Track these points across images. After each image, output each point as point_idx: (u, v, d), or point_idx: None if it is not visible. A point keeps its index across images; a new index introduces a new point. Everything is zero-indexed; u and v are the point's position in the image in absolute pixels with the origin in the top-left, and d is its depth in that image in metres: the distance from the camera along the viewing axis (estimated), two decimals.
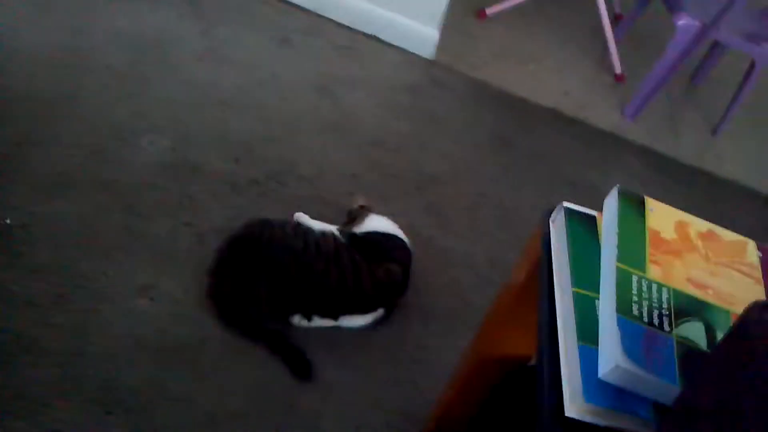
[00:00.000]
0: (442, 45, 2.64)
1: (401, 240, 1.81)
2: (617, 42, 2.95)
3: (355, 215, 1.84)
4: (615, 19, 3.28)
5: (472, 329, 1.29)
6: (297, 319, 1.63)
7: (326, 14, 2.60)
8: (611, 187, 0.92)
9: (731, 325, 0.69)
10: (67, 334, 1.50)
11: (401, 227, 1.91)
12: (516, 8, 2.95)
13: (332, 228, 1.75)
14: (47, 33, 2.12)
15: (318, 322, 1.65)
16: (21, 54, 2.03)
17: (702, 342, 0.76)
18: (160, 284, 1.64)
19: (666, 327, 0.76)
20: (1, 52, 2.01)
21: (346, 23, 2.60)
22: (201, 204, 1.81)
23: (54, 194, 1.73)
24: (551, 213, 0.98)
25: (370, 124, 2.27)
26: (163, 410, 1.45)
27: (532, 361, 1.16)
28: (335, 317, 1.66)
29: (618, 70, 2.93)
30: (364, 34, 2.60)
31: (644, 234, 0.86)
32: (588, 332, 0.77)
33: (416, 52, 2.61)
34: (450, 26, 2.74)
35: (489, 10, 2.94)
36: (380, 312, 1.71)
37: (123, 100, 2.01)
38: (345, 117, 2.26)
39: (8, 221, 1.64)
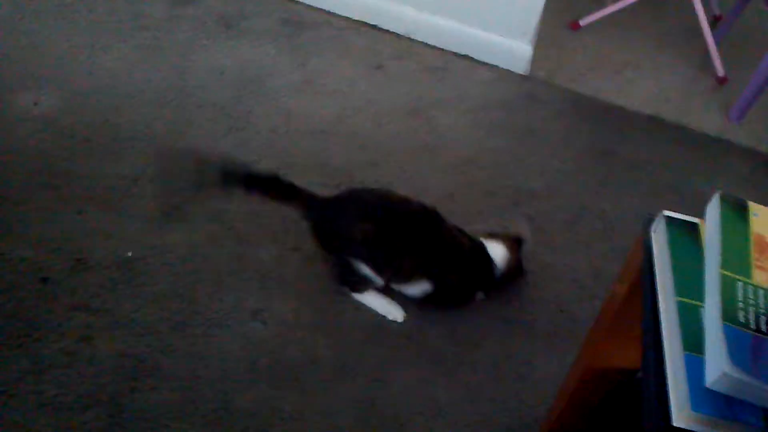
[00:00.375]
0: (536, 59, 2.63)
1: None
2: (717, 43, 2.86)
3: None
4: (714, 20, 3.18)
5: (578, 343, 1.29)
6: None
7: (418, 37, 2.64)
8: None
9: None
10: (186, 359, 1.58)
11: None
12: (610, 17, 2.91)
13: None
14: (157, 74, 2.25)
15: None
16: (134, 95, 2.17)
17: None
18: (272, 308, 1.71)
19: None
20: (116, 94, 2.15)
21: (438, 45, 2.64)
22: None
23: (168, 226, 1.84)
24: (652, 222, 0.98)
25: (465, 143, 2.29)
26: (277, 430, 1.50)
27: (640, 374, 1.15)
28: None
29: (720, 72, 2.84)
30: (456, 54, 2.63)
31: (748, 239, 0.84)
32: (693, 341, 0.77)
33: (510, 68, 2.61)
34: (543, 39, 2.73)
35: (582, 21, 2.92)
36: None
37: (229, 134, 2.11)
38: (439, 137, 2.29)
39: (130, 254, 1.75)
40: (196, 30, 2.45)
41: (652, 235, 0.97)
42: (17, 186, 1.85)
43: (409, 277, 1.71)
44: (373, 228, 1.65)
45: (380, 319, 1.75)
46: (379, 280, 1.71)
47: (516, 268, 1.84)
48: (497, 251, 1.80)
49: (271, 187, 1.70)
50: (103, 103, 2.12)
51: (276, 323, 1.69)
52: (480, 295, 1.82)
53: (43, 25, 2.32)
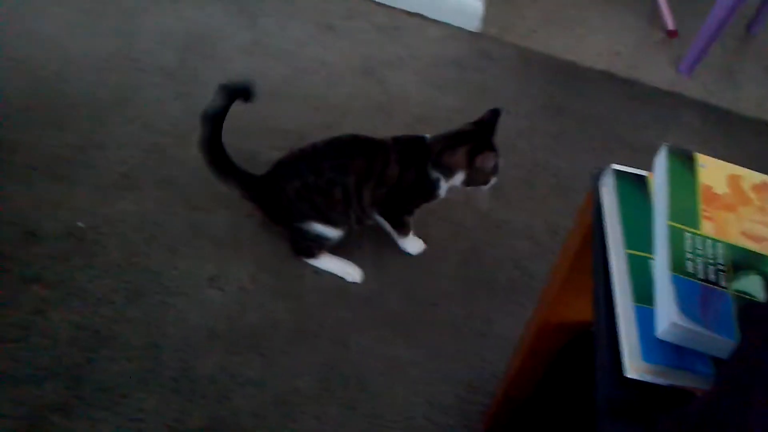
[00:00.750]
0: (487, 17, 2.62)
1: None
2: None
3: None
4: None
5: (536, 300, 1.30)
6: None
7: None
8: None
9: None
10: (143, 328, 1.57)
11: (458, 202, 1.93)
12: None
13: None
14: (99, 38, 2.19)
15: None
16: (76, 60, 2.10)
17: (760, 295, 0.75)
18: (228, 274, 1.70)
19: (722, 282, 0.76)
20: (57, 59, 2.09)
21: (388, 3, 2.60)
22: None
23: (119, 195, 1.80)
24: (601, 176, 0.98)
25: (419, 102, 2.28)
26: (239, 395, 1.50)
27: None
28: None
29: (670, 25, 2.86)
30: (407, 12, 2.60)
31: (696, 190, 0.85)
32: (644, 293, 0.78)
33: (461, 26, 2.60)
34: None
35: None
36: None
37: (176, 99, 2.06)
38: (393, 97, 2.27)
39: (80, 224, 1.71)
40: None
41: (602, 189, 0.97)
42: None
43: (365, 203, 1.70)
44: (300, 182, 1.64)
45: (339, 282, 1.75)
46: (333, 232, 1.71)
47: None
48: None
49: (214, 159, 1.69)
50: (43, 69, 2.05)
51: (233, 289, 1.68)
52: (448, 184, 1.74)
53: None
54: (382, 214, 1.76)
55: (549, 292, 1.24)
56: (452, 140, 1.70)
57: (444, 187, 1.72)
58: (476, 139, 1.69)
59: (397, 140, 1.72)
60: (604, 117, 2.40)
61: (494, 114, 1.73)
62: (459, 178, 1.70)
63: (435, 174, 1.69)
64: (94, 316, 1.57)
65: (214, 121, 1.63)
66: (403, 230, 1.81)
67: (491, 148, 1.68)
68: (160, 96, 2.06)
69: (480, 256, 1.89)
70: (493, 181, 1.73)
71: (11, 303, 1.55)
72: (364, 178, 1.65)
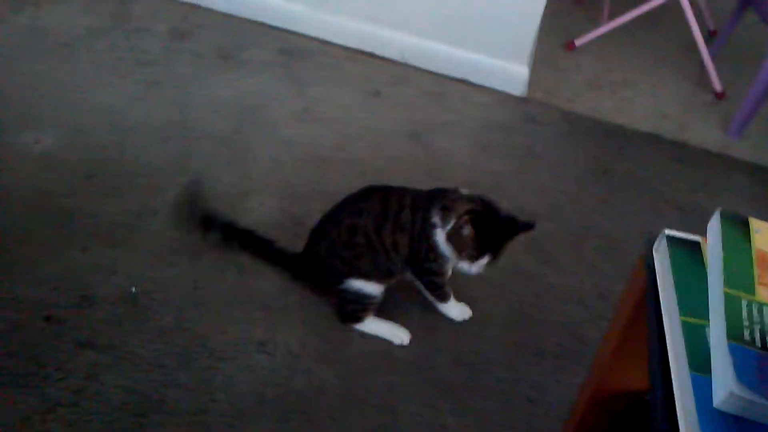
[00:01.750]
0: (533, 80, 2.65)
1: None
2: (714, 58, 2.87)
3: None
4: (709, 35, 3.20)
5: (587, 365, 1.28)
6: None
7: (413, 63, 2.66)
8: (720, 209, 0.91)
9: None
10: (193, 393, 1.58)
11: (504, 266, 1.93)
12: (605, 36, 2.93)
13: None
14: (156, 108, 2.27)
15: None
16: (135, 129, 2.18)
17: None
18: (277, 338, 1.71)
19: None
20: (117, 129, 2.17)
21: (434, 70, 2.66)
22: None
23: (171, 260, 1.84)
24: (653, 241, 0.98)
25: (465, 166, 2.30)
26: None
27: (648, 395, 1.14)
28: None
29: (718, 87, 2.85)
30: (453, 78, 2.65)
31: (751, 256, 0.84)
32: (700, 361, 0.76)
33: (507, 91, 2.63)
34: (539, 61, 2.75)
35: (578, 41, 2.94)
36: None
37: (230, 165, 2.12)
38: (439, 161, 2.29)
39: (134, 290, 1.75)
40: (194, 63, 2.47)
41: (655, 254, 0.96)
42: (20, 224, 1.85)
43: (389, 249, 1.68)
44: (327, 240, 1.69)
45: (386, 347, 1.74)
46: (372, 288, 1.72)
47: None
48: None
49: (250, 243, 1.79)
50: (105, 139, 2.13)
51: (282, 354, 1.68)
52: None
53: (43, 65, 2.34)
54: (414, 274, 1.76)
55: (601, 358, 1.22)
56: (473, 200, 1.67)
57: (440, 238, 1.65)
58: (488, 216, 1.65)
59: (419, 190, 1.74)
60: (652, 180, 2.38)
61: (526, 225, 1.70)
62: (448, 228, 1.64)
63: (435, 218, 1.65)
64: (145, 381, 1.58)
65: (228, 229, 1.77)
66: (440, 295, 1.80)
67: (482, 234, 1.62)
68: (214, 162, 2.12)
69: (528, 320, 1.87)
70: (469, 265, 1.66)
71: (64, 367, 1.58)
72: (381, 220, 1.66)
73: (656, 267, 0.95)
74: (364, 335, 1.76)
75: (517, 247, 2.02)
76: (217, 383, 1.60)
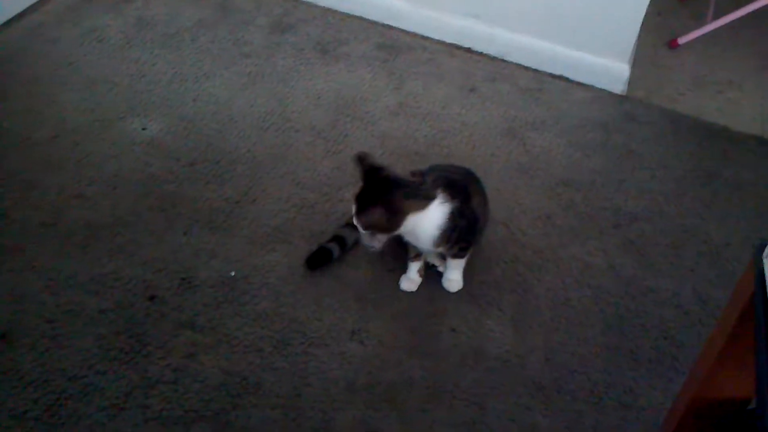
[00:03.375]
0: (634, 79, 2.58)
1: None
2: None
3: None
4: None
5: (683, 371, 1.25)
6: None
7: (511, 59, 2.64)
8: None
9: None
10: (287, 377, 1.62)
11: (600, 267, 1.90)
12: (710, 34, 2.83)
13: None
14: (259, 99, 2.33)
15: None
16: (238, 120, 2.25)
17: None
18: (369, 328, 1.74)
19: None
20: (221, 119, 2.24)
21: (532, 66, 2.63)
22: (401, 250, 1.89)
23: (270, 247, 1.89)
24: (764, 248, 0.95)
25: (562, 164, 2.27)
26: None
27: (752, 404, 1.11)
28: None
29: None
30: (551, 75, 2.61)
31: None
32: None
33: (607, 88, 2.58)
34: (641, 58, 2.68)
35: (681, 39, 2.85)
36: None
37: (327, 157, 2.16)
38: (535, 158, 2.27)
39: (233, 273, 1.81)
40: (295, 56, 2.52)
41: (765, 260, 0.94)
42: (127, 208, 1.94)
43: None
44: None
45: (476, 343, 1.75)
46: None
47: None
48: None
49: None
50: (207, 128, 2.20)
51: (373, 343, 1.71)
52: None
53: (151, 54, 2.43)
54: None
55: (702, 365, 1.19)
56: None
57: None
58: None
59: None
60: (758, 184, 2.29)
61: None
62: None
63: None
64: (242, 363, 1.64)
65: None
66: None
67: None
68: (311, 154, 2.16)
69: (624, 323, 1.83)
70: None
71: (165, 346, 1.65)
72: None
73: (766, 273, 0.92)
74: (454, 328, 1.77)
75: (613, 249, 2.00)
76: (311, 368, 1.64)
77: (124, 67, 2.38)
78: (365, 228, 1.64)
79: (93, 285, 1.75)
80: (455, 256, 1.78)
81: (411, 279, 1.84)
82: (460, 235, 1.71)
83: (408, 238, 1.73)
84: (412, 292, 1.83)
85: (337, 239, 1.87)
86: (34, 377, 1.56)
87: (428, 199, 1.64)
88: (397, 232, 1.65)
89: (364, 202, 1.62)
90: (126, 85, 2.31)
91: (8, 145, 2.05)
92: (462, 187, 1.73)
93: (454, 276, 1.84)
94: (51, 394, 1.53)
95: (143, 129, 2.17)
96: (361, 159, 1.67)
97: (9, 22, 2.47)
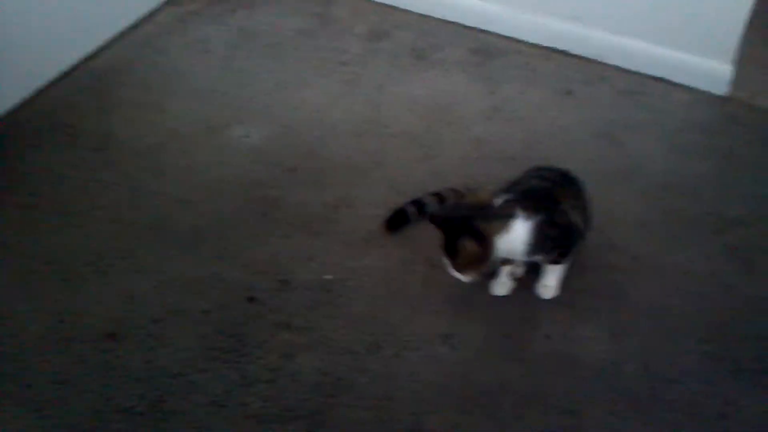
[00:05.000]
0: (738, 79, 2.49)
1: None
2: None
3: None
4: None
5: None
6: None
7: (609, 61, 2.59)
8: None
9: None
10: (380, 379, 1.65)
11: (701, 274, 1.86)
12: None
13: None
14: (356, 106, 2.38)
15: None
16: (336, 126, 2.31)
17: None
18: (462, 333, 1.75)
19: None
20: (320, 125, 2.30)
21: (630, 68, 2.57)
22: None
23: (366, 251, 1.93)
24: None
25: (661, 168, 2.22)
26: None
27: None
28: None
29: None
30: (650, 77, 2.55)
31: None
32: None
33: (709, 90, 2.50)
34: (745, 59, 2.58)
35: None
36: None
37: (422, 162, 2.18)
38: (634, 162, 2.23)
39: (330, 277, 1.86)
40: (391, 63, 2.56)
41: None
42: (231, 211, 2.02)
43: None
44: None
45: (570, 350, 1.73)
46: None
47: None
48: None
49: None
50: (308, 134, 2.27)
51: (466, 348, 1.72)
52: None
53: (254, 63, 2.53)
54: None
55: None
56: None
57: None
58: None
59: None
60: None
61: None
62: None
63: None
64: (337, 364, 1.68)
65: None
66: None
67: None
68: (407, 159, 2.19)
69: (726, 331, 1.78)
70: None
71: (264, 346, 1.71)
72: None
73: None
74: (548, 335, 1.76)
75: (716, 255, 1.94)
76: (404, 372, 1.67)
77: (229, 76, 2.48)
78: (465, 269, 1.69)
79: (196, 286, 1.83)
80: (553, 261, 1.77)
81: (503, 283, 1.84)
82: (555, 243, 1.71)
83: (503, 256, 1.73)
84: (504, 296, 1.84)
85: (416, 203, 1.93)
86: (140, 374, 1.64)
87: (508, 217, 1.66)
88: (492, 258, 1.67)
89: (451, 248, 1.68)
90: (230, 94, 2.41)
91: (119, 152, 2.18)
92: (545, 195, 1.72)
93: (550, 282, 1.83)
94: (155, 391, 1.61)
95: (246, 136, 2.25)
96: (432, 218, 1.76)
97: (121, 35, 2.61)
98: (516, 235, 1.66)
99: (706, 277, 1.90)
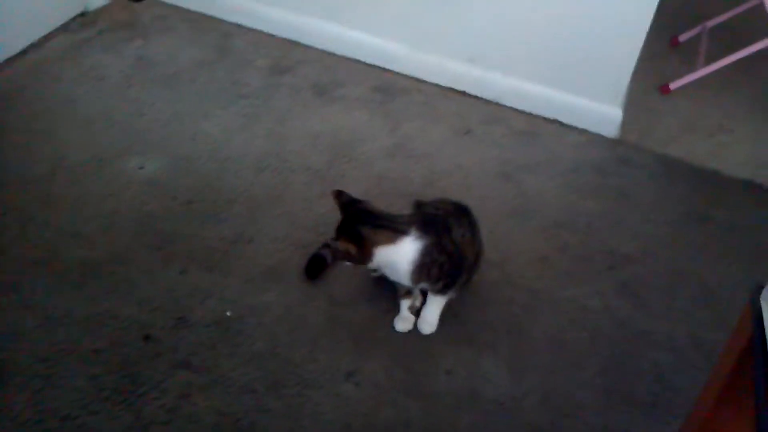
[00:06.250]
0: (626, 122, 2.62)
1: None
2: None
3: None
4: None
5: (680, 415, 1.25)
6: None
7: (506, 103, 2.67)
8: None
9: None
10: (282, 419, 1.61)
11: (595, 309, 1.91)
12: (701, 80, 2.88)
13: None
14: (255, 140, 2.35)
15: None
16: (235, 159, 2.26)
17: None
18: (364, 369, 1.73)
19: None
20: (218, 158, 2.25)
21: (526, 109, 2.66)
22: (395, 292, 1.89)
23: (265, 287, 1.89)
24: (761, 290, 0.96)
25: (556, 206, 2.29)
26: None
27: None
28: None
29: None
30: (545, 119, 2.64)
31: None
32: None
33: (599, 132, 2.61)
34: (633, 103, 2.72)
35: (673, 84, 2.89)
36: None
37: (323, 198, 2.16)
38: (530, 201, 2.29)
39: (228, 314, 1.81)
40: (292, 98, 2.54)
41: (763, 303, 0.95)
42: (123, 246, 1.94)
43: None
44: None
45: (472, 384, 1.74)
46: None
47: None
48: None
49: None
50: (205, 167, 2.21)
51: (369, 385, 1.70)
52: None
53: (149, 94, 2.46)
54: None
55: (700, 409, 1.19)
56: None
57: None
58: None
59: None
60: (750, 228, 2.31)
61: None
62: None
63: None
64: (237, 404, 1.63)
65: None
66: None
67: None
68: (308, 194, 2.17)
69: (619, 366, 1.83)
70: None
71: (160, 386, 1.64)
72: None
73: (765, 317, 0.93)
74: (450, 371, 1.76)
75: (608, 291, 2.01)
76: (306, 410, 1.63)
77: (123, 105, 2.40)
78: (340, 259, 1.71)
79: (88, 323, 1.74)
80: (438, 292, 1.78)
81: (404, 318, 1.84)
82: (442, 270, 1.72)
83: (387, 272, 1.75)
84: (407, 332, 1.83)
85: (328, 246, 1.88)
86: (27, 417, 1.54)
87: (400, 233, 1.68)
88: (369, 264, 1.70)
89: (341, 231, 1.69)
90: (124, 123, 2.33)
91: (6, 181, 2.06)
92: (441, 222, 1.75)
93: (429, 317, 1.84)
94: None
95: (141, 168, 2.18)
96: (338, 195, 1.77)
97: (11, 59, 2.49)
98: (402, 253, 1.68)
99: (599, 311, 1.96)
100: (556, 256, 2.11)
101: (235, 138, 2.34)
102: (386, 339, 1.81)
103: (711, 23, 3.12)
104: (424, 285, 1.75)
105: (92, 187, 2.09)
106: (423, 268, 1.69)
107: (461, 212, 1.83)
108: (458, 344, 1.83)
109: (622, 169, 2.48)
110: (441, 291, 1.78)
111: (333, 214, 2.08)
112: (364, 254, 1.67)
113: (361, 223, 1.69)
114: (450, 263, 1.72)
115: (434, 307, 1.82)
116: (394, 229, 1.69)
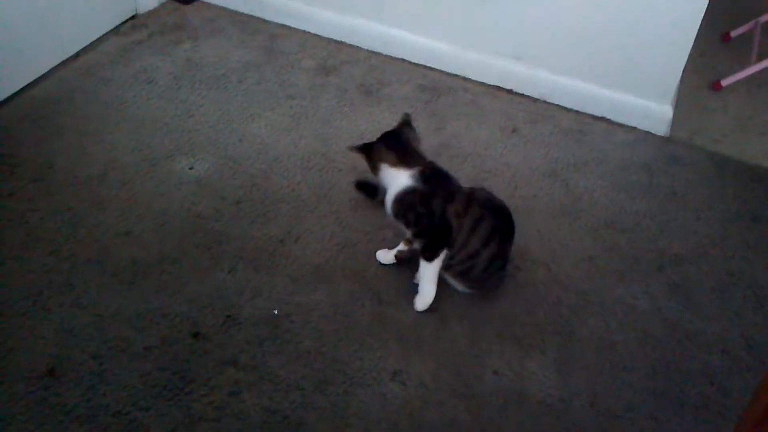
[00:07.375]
0: (677, 120, 2.58)
1: None
2: None
3: None
4: None
5: (732, 419, 1.23)
6: None
7: (553, 101, 2.65)
8: None
9: None
10: (329, 417, 1.62)
11: (645, 310, 1.89)
12: (753, 77, 2.82)
13: None
14: (302, 140, 2.37)
15: None
16: (282, 159, 2.28)
17: None
18: (410, 369, 1.73)
19: None
20: (266, 159, 2.28)
21: (574, 107, 2.63)
22: (443, 291, 1.89)
23: (313, 286, 1.90)
24: None
25: (604, 206, 2.26)
26: None
27: None
28: None
29: None
30: (593, 117, 2.62)
31: None
32: None
33: (649, 130, 2.57)
34: (684, 100, 2.68)
35: (724, 81, 2.84)
36: None
37: None
38: (578, 200, 2.27)
39: (276, 312, 1.83)
40: (338, 98, 2.56)
41: None
42: (173, 245, 1.97)
43: None
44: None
45: (519, 386, 1.73)
46: None
47: None
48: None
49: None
50: (253, 167, 2.24)
51: (415, 385, 1.71)
52: None
53: (198, 95, 2.49)
54: None
55: (753, 413, 1.17)
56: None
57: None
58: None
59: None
60: None
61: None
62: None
63: None
64: (284, 401, 1.64)
65: None
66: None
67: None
68: (354, 194, 2.18)
69: (670, 368, 1.81)
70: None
71: (209, 383, 1.66)
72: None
73: None
74: (496, 371, 1.75)
75: (658, 291, 1.98)
76: (353, 409, 1.64)
77: (173, 107, 2.44)
78: (360, 153, 1.91)
79: (138, 321, 1.77)
80: (421, 254, 1.83)
81: (388, 254, 1.97)
82: (417, 219, 1.80)
83: (385, 197, 1.87)
84: (447, 326, 1.83)
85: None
86: (79, 413, 1.58)
87: (403, 163, 1.83)
88: (378, 176, 1.88)
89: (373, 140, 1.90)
90: (174, 125, 2.37)
91: (59, 183, 2.11)
92: (446, 187, 1.83)
93: (421, 289, 1.87)
94: (96, 430, 1.55)
95: (190, 168, 2.21)
96: (404, 115, 1.97)
97: (65, 62, 2.55)
98: (395, 180, 1.83)
99: (648, 313, 1.93)
100: (604, 256, 2.09)
101: (282, 138, 2.36)
102: (432, 339, 1.81)
103: (764, 18, 3.06)
104: (401, 225, 1.85)
105: (143, 187, 2.13)
106: (402, 205, 1.81)
107: (487, 208, 1.83)
108: (505, 344, 1.82)
109: (672, 167, 2.44)
110: (422, 252, 1.83)
111: (378, 214, 2.10)
112: (373, 165, 1.87)
113: (384, 141, 1.87)
114: (427, 220, 1.79)
115: (424, 280, 1.86)
116: (402, 159, 1.83)
